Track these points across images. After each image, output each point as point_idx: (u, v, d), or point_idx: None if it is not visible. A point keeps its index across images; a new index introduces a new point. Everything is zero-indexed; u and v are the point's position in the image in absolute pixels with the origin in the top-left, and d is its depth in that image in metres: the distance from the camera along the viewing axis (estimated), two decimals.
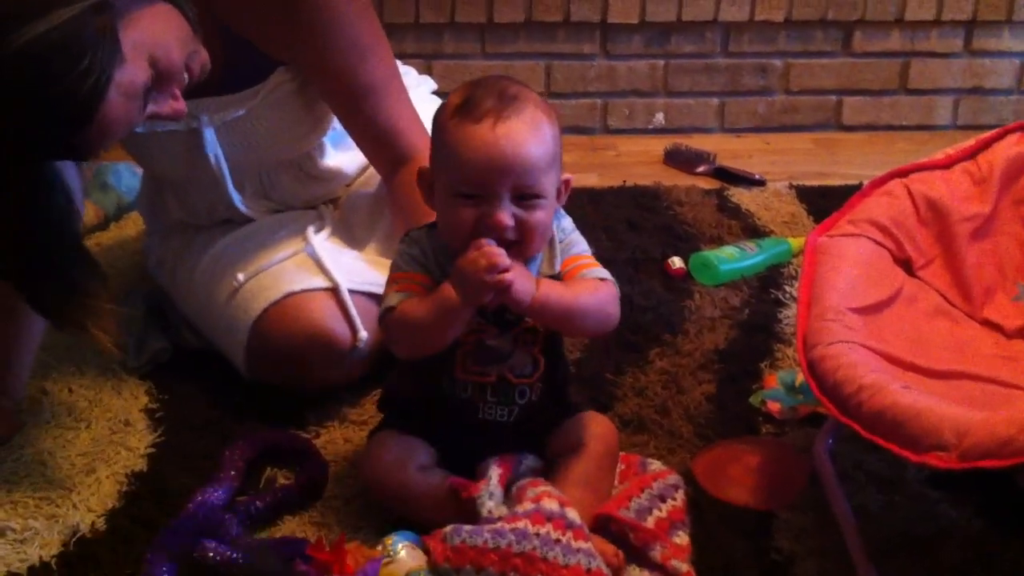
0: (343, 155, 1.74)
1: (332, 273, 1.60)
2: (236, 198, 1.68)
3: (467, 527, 1.21)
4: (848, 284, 1.36)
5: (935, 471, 1.20)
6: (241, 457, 1.44)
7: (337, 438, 1.54)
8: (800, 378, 1.56)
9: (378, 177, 1.71)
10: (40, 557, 1.33)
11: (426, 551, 1.22)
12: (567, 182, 1.32)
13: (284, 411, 1.58)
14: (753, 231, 2.17)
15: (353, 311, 1.57)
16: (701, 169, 2.51)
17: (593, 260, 1.35)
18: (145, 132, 1.57)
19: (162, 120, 1.42)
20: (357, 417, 1.58)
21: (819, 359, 1.25)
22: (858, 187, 1.62)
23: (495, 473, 1.30)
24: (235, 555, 1.26)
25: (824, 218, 1.48)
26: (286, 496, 1.40)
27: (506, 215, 1.24)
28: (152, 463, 1.50)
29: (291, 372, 1.58)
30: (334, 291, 1.58)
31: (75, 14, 1.22)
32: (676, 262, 2.00)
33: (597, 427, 1.38)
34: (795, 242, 2.06)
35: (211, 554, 1.25)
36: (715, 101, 2.74)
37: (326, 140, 1.71)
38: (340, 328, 1.56)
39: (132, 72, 1.29)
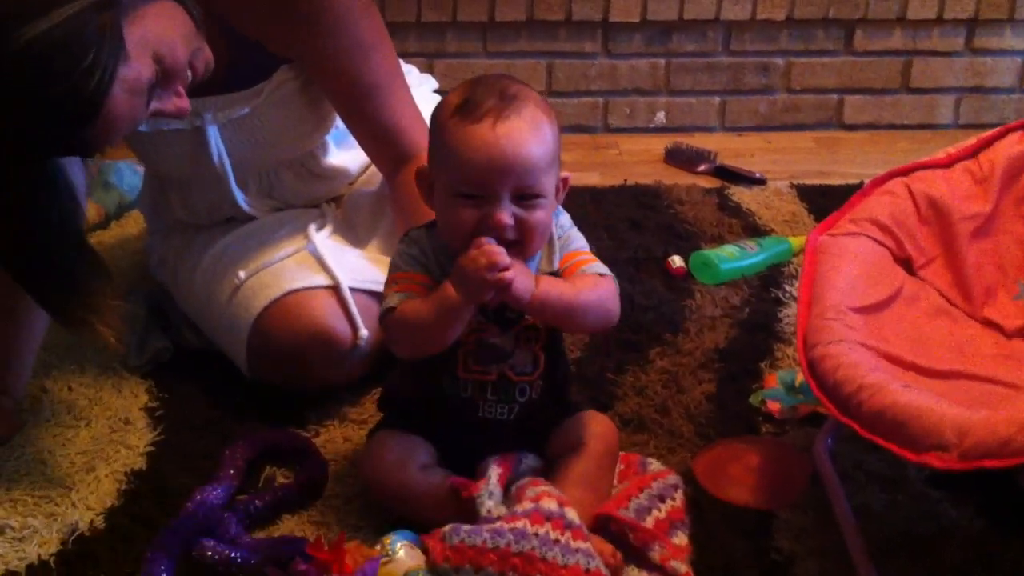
0: (346, 154, 1.74)
1: (333, 271, 1.60)
2: (239, 196, 1.68)
3: (466, 527, 1.21)
4: (848, 283, 1.35)
5: (935, 471, 1.20)
6: (241, 456, 1.44)
7: (337, 437, 1.54)
8: (800, 378, 1.56)
9: (380, 176, 1.71)
10: (39, 555, 1.33)
11: (425, 550, 1.22)
12: (565, 180, 1.32)
13: (284, 410, 1.58)
14: (754, 230, 2.17)
15: (354, 309, 1.57)
16: (702, 168, 2.51)
17: (592, 256, 1.35)
18: (149, 130, 1.57)
19: (166, 118, 1.42)
20: (357, 416, 1.58)
21: (819, 358, 1.25)
22: (859, 186, 1.62)
23: (495, 472, 1.30)
24: (234, 554, 1.26)
25: (825, 217, 1.47)
26: (285, 495, 1.40)
27: (506, 215, 1.24)
28: (152, 462, 1.50)
29: (292, 370, 1.58)
30: (335, 289, 1.58)
31: (78, 11, 1.22)
32: (677, 261, 2.00)
33: (597, 426, 1.38)
34: (796, 241, 2.06)
35: (210, 553, 1.26)
36: (716, 100, 2.74)
37: (329, 139, 1.71)
38: (341, 326, 1.56)
39: (136, 69, 1.29)
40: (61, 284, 1.36)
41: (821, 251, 1.40)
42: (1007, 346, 1.43)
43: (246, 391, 1.61)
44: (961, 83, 2.74)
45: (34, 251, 1.34)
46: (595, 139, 2.71)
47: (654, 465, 1.43)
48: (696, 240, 2.11)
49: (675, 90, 2.72)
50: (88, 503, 1.42)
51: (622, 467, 1.42)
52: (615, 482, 1.39)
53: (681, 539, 1.30)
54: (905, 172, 1.50)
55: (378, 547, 1.24)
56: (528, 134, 1.24)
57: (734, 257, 1.98)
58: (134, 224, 2.17)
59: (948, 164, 1.52)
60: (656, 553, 1.26)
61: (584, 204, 2.24)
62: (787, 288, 1.93)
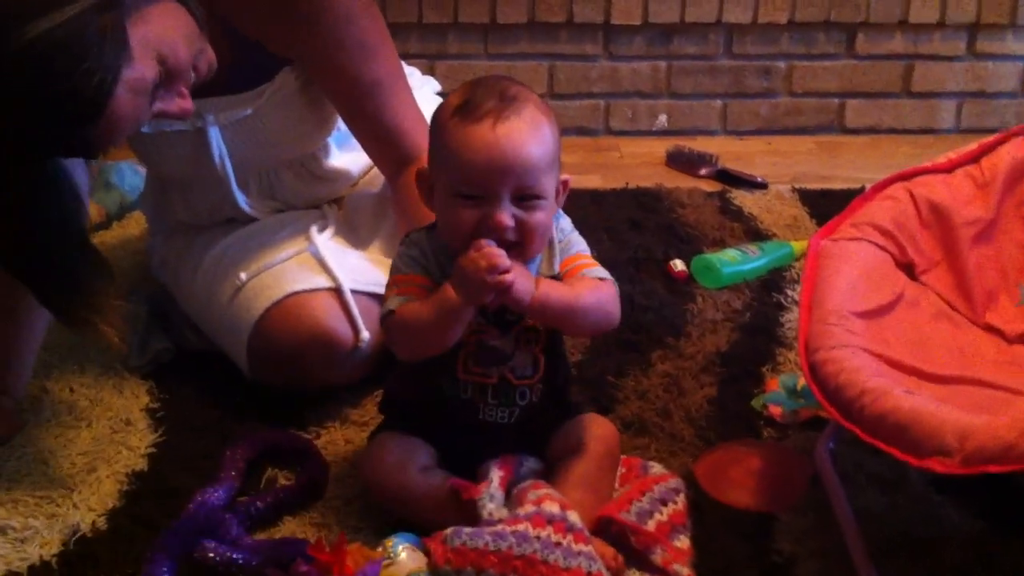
0: (348, 155, 1.74)
1: (335, 273, 1.60)
2: (240, 198, 1.68)
3: (467, 529, 1.21)
4: (850, 288, 1.35)
5: (937, 475, 1.20)
6: (242, 457, 1.44)
7: (338, 439, 1.54)
8: (802, 382, 1.56)
9: (382, 177, 1.71)
10: (40, 556, 1.33)
11: (426, 553, 1.22)
12: (565, 183, 1.32)
13: (285, 411, 1.58)
14: (755, 234, 2.17)
15: (356, 311, 1.57)
16: (703, 171, 2.51)
17: (592, 260, 1.35)
18: (151, 131, 1.57)
19: (169, 118, 1.42)
20: (358, 418, 1.58)
21: (821, 363, 1.25)
22: (860, 190, 1.62)
23: (496, 475, 1.30)
24: (235, 555, 1.26)
25: (826, 221, 1.47)
26: (287, 497, 1.40)
27: (506, 216, 1.24)
28: (153, 463, 1.50)
29: (293, 372, 1.58)
30: (337, 291, 1.58)
31: (80, 11, 1.22)
32: (678, 264, 2.00)
33: (598, 429, 1.38)
34: (797, 245, 2.06)
35: (211, 554, 1.25)
36: (718, 103, 2.74)
37: (331, 140, 1.71)
38: (342, 328, 1.56)
39: (140, 69, 1.29)
40: (64, 284, 1.36)
41: (823, 255, 1.40)
42: (1008, 351, 1.43)
43: (247, 392, 1.61)
44: (962, 87, 2.75)
45: (37, 251, 1.34)
46: (596, 141, 2.72)
47: (656, 468, 1.43)
48: (697, 244, 2.11)
49: (676, 93, 2.72)
50: (89, 504, 1.42)
51: (623, 470, 1.42)
52: (616, 485, 1.39)
53: (683, 542, 1.30)
54: (907, 177, 1.50)
55: (380, 549, 1.24)
56: (528, 135, 1.24)
57: (736, 261, 1.99)
58: (135, 224, 2.17)
59: (950, 169, 1.52)
60: (658, 556, 1.26)
61: (585, 206, 2.24)
62: (788, 292, 1.93)
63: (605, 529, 1.28)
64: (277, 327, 1.56)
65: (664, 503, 1.33)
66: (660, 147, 2.62)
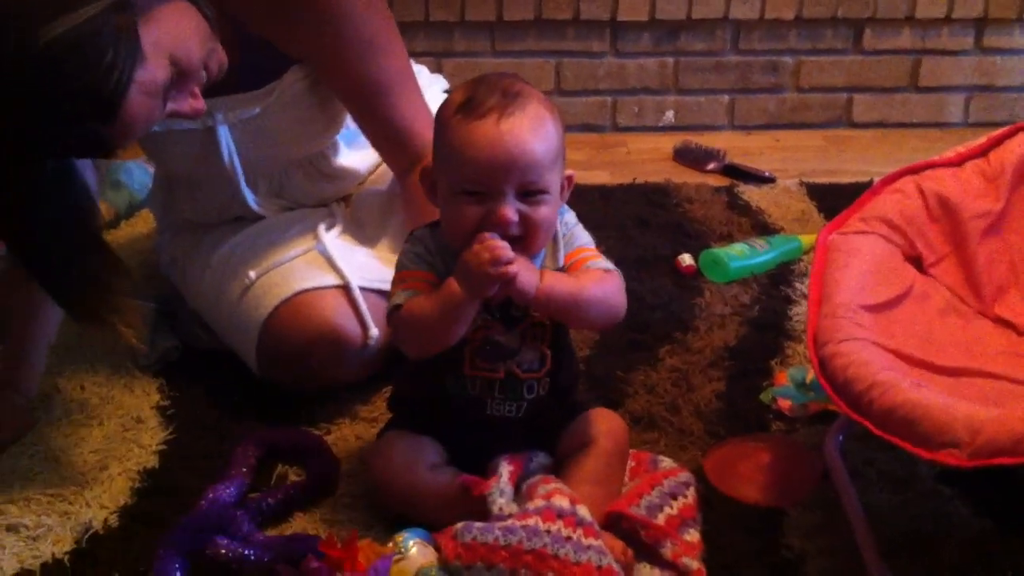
0: (356, 154, 1.75)
1: (343, 271, 1.60)
2: (249, 197, 1.68)
3: (478, 524, 1.21)
4: (859, 281, 1.35)
5: (947, 468, 1.20)
6: (252, 454, 1.44)
7: (348, 435, 1.54)
8: (810, 375, 1.56)
9: (389, 175, 1.71)
10: (53, 554, 1.33)
11: (437, 548, 1.22)
12: (570, 178, 1.32)
13: (295, 408, 1.58)
14: (763, 228, 2.17)
15: (364, 308, 1.57)
16: (711, 167, 2.51)
17: (597, 252, 1.35)
18: (161, 130, 1.58)
19: (181, 118, 1.42)
20: (368, 414, 1.59)
21: (830, 356, 1.25)
22: (868, 184, 1.62)
23: (506, 470, 1.30)
24: (247, 552, 1.26)
25: (834, 215, 1.47)
26: (297, 493, 1.40)
27: (510, 211, 1.24)
28: (164, 460, 1.51)
29: (302, 370, 1.58)
30: (345, 289, 1.59)
31: (96, 13, 1.23)
32: (686, 259, 2.00)
33: (607, 424, 1.38)
34: (805, 239, 2.06)
35: (222, 551, 1.26)
36: (725, 99, 2.74)
37: (339, 139, 1.71)
38: (351, 326, 1.56)
39: (152, 70, 1.29)
40: (80, 284, 1.37)
41: (831, 249, 1.40)
42: (1018, 344, 1.42)
43: (256, 389, 1.62)
44: (970, 82, 2.74)
45: (54, 251, 1.35)
46: (604, 138, 2.71)
47: (665, 463, 1.43)
48: (705, 238, 2.11)
49: (684, 89, 2.72)
50: (101, 501, 1.42)
51: (633, 464, 1.42)
52: (626, 479, 1.39)
53: (693, 536, 1.30)
54: (915, 170, 1.50)
55: (390, 545, 1.24)
56: (532, 131, 1.24)
57: (744, 255, 1.99)
58: (144, 223, 2.18)
59: (958, 162, 1.52)
60: (668, 550, 1.26)
61: (593, 203, 2.24)
62: (797, 286, 1.93)
63: (615, 523, 1.28)
64: (286, 325, 1.56)
65: (674, 497, 1.33)
66: (667, 143, 2.62)
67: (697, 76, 2.71)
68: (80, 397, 1.64)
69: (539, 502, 1.23)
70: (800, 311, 1.85)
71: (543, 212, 1.26)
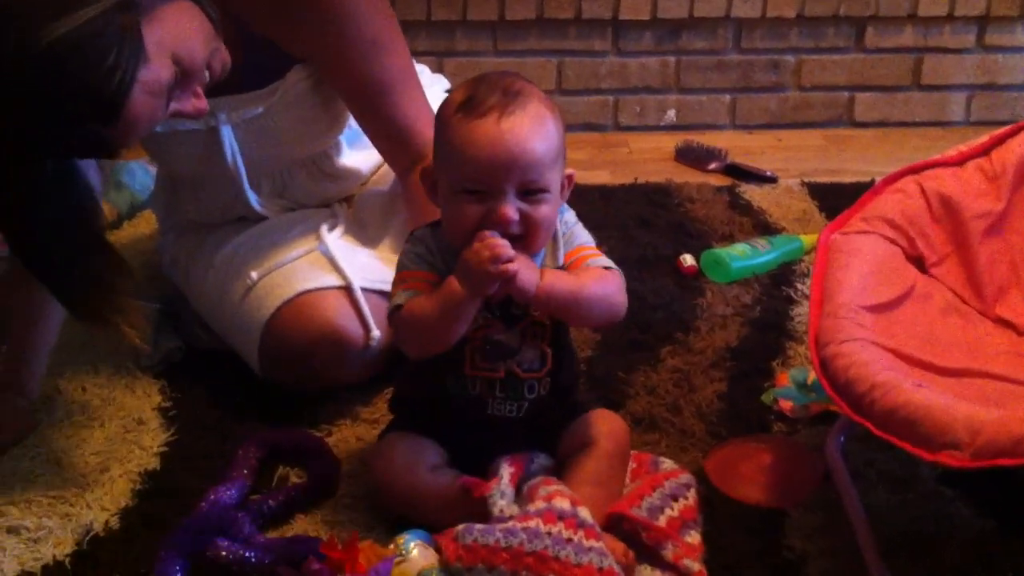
0: (359, 154, 1.75)
1: (345, 271, 1.60)
2: (252, 197, 1.68)
3: (479, 526, 1.21)
4: (860, 282, 1.35)
5: (948, 469, 1.19)
6: (254, 456, 1.44)
7: (349, 436, 1.54)
8: (812, 376, 1.56)
9: (392, 175, 1.71)
10: (54, 556, 1.33)
11: (438, 550, 1.22)
12: (570, 177, 1.33)
13: (296, 410, 1.58)
14: (765, 228, 2.16)
15: (366, 309, 1.57)
16: (712, 166, 2.50)
17: (597, 250, 1.35)
18: (164, 131, 1.58)
19: (184, 118, 1.42)
20: (369, 415, 1.59)
21: (831, 357, 1.25)
22: (870, 184, 1.61)
23: (507, 472, 1.30)
24: (248, 554, 1.26)
25: (836, 215, 1.47)
26: (298, 495, 1.40)
27: (511, 210, 1.24)
28: (165, 462, 1.51)
29: (304, 370, 1.58)
30: (347, 289, 1.59)
31: (99, 12, 1.23)
32: (688, 259, 2.00)
33: (608, 425, 1.38)
34: (807, 239, 2.06)
35: (223, 553, 1.26)
36: (727, 98, 2.74)
37: (342, 139, 1.71)
38: (353, 326, 1.56)
39: (156, 70, 1.30)
40: (84, 284, 1.37)
41: (833, 249, 1.40)
42: (1019, 344, 1.42)
43: (258, 390, 1.62)
44: (972, 80, 2.74)
45: (55, 251, 1.35)
46: (605, 137, 2.71)
47: (666, 464, 1.43)
48: (707, 238, 2.11)
49: (685, 88, 2.72)
50: (102, 503, 1.42)
51: (634, 466, 1.42)
52: (627, 481, 1.39)
53: (694, 538, 1.30)
54: (916, 170, 1.50)
55: (391, 546, 1.24)
56: (532, 129, 1.24)
57: (745, 255, 1.98)
58: (146, 224, 2.18)
59: (960, 162, 1.51)
60: (669, 552, 1.26)
61: (594, 202, 2.24)
62: (798, 286, 1.93)
63: (616, 525, 1.28)
64: (288, 326, 1.56)
65: (675, 499, 1.33)
66: (669, 142, 2.62)
67: (699, 75, 2.70)
68: (81, 399, 1.64)
69: (540, 504, 1.23)
70: (802, 311, 1.85)
71: (544, 211, 1.26)
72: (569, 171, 1.32)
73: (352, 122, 1.66)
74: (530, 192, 1.25)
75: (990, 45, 2.70)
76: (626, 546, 1.25)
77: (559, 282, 1.27)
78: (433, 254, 1.31)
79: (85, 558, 1.33)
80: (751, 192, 2.34)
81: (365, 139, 1.68)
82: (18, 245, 1.37)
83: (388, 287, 1.52)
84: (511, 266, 1.21)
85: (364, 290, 1.59)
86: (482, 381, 1.33)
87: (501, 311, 1.32)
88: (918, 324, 1.37)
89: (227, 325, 1.66)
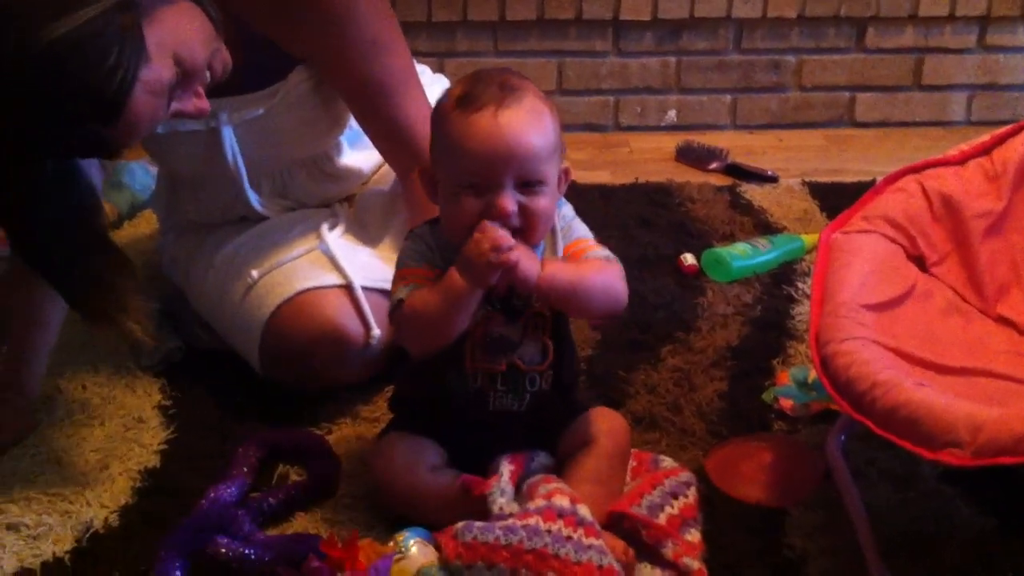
0: (359, 154, 1.75)
1: (345, 270, 1.60)
2: (253, 197, 1.68)
3: (478, 524, 1.20)
4: (861, 281, 1.35)
5: (949, 468, 1.19)
6: (254, 454, 1.44)
7: (349, 435, 1.54)
8: (812, 375, 1.56)
9: (392, 175, 1.71)
10: (54, 553, 1.33)
11: (438, 548, 1.22)
12: (567, 171, 1.33)
13: (296, 408, 1.58)
14: (765, 228, 2.16)
15: (366, 308, 1.57)
16: (713, 166, 2.50)
17: (595, 243, 1.36)
18: (164, 131, 1.58)
19: (185, 118, 1.42)
20: (369, 414, 1.59)
21: (832, 356, 1.25)
22: (871, 183, 1.61)
23: (506, 470, 1.30)
24: (247, 552, 1.26)
25: (837, 215, 1.47)
26: (298, 493, 1.40)
27: (510, 202, 1.24)
28: (165, 460, 1.51)
29: (305, 369, 1.58)
30: (347, 288, 1.59)
31: (100, 12, 1.23)
32: (688, 259, 1.99)
33: (608, 423, 1.38)
34: (808, 239, 2.06)
35: (223, 550, 1.26)
36: (727, 98, 2.74)
37: (343, 139, 1.71)
38: (353, 325, 1.56)
39: (157, 70, 1.30)
40: (87, 283, 1.37)
41: (834, 248, 1.40)
42: (1020, 343, 1.42)
43: (258, 389, 1.62)
44: (973, 80, 2.74)
45: (57, 251, 1.35)
46: (606, 137, 2.71)
47: (666, 462, 1.43)
48: (708, 238, 2.11)
49: (686, 88, 2.72)
50: (102, 501, 1.42)
51: (634, 464, 1.42)
52: (627, 479, 1.39)
53: (694, 536, 1.30)
54: (918, 169, 1.50)
55: (391, 544, 1.24)
56: (529, 123, 1.25)
57: (746, 255, 1.98)
58: (146, 224, 2.18)
59: (961, 161, 1.51)
60: (669, 550, 1.26)
61: (595, 202, 2.24)
62: (799, 285, 1.93)
63: (616, 523, 1.28)
64: (288, 324, 1.56)
65: (675, 497, 1.33)
66: (670, 142, 2.62)
67: (699, 75, 2.70)
68: (82, 397, 1.64)
69: (540, 502, 1.23)
70: (802, 310, 1.84)
71: (542, 203, 1.27)
72: (565, 165, 1.32)
73: (353, 122, 1.66)
74: (528, 185, 1.26)
75: (991, 45, 2.70)
76: (626, 544, 1.25)
77: (560, 271, 1.28)
78: (433, 250, 1.32)
79: (85, 555, 1.33)
80: (752, 192, 2.34)
81: (366, 139, 1.68)
82: (19, 244, 1.37)
83: (389, 286, 1.53)
84: (512, 255, 1.22)
85: (365, 289, 1.59)
86: (483, 375, 1.33)
87: (502, 304, 1.32)
88: (919, 323, 1.37)
89: (227, 324, 1.66)
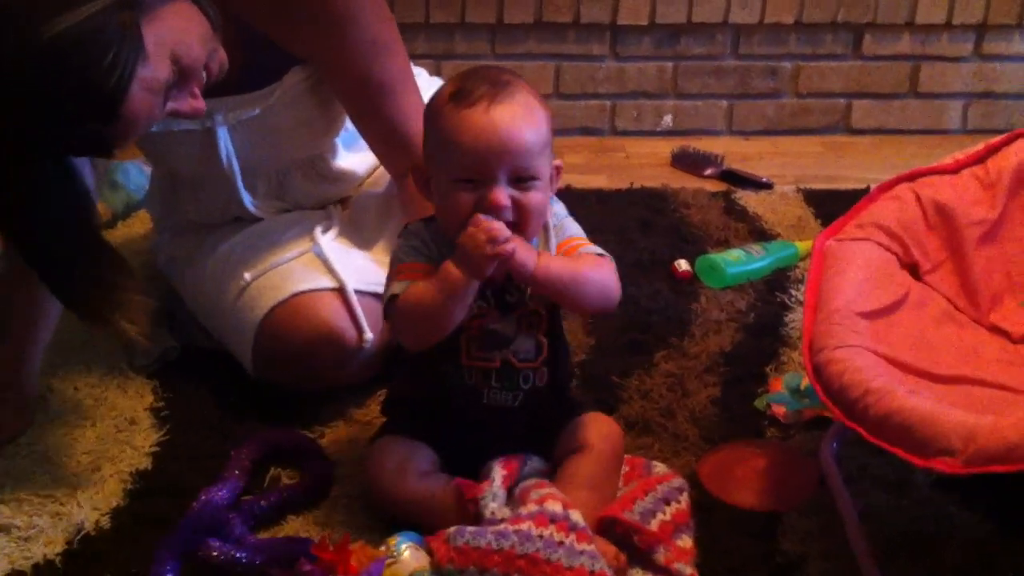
0: (355, 156, 1.75)
1: (339, 273, 1.60)
2: (246, 198, 1.68)
3: (470, 528, 1.21)
4: (855, 288, 1.35)
5: (942, 475, 1.19)
6: (246, 457, 1.44)
7: (342, 438, 1.54)
8: (805, 382, 1.55)
9: (387, 177, 1.71)
10: (44, 555, 1.33)
11: (430, 552, 1.22)
12: (558, 168, 1.34)
13: (290, 411, 1.58)
14: (760, 234, 2.17)
15: (359, 311, 1.57)
16: (709, 172, 2.51)
17: (588, 241, 1.37)
18: (160, 131, 1.58)
19: (181, 118, 1.42)
20: (362, 417, 1.58)
21: (825, 363, 1.25)
22: (866, 191, 1.62)
23: (499, 475, 1.30)
24: (239, 554, 1.26)
25: (831, 222, 1.47)
26: (291, 496, 1.40)
27: (503, 195, 1.25)
28: (157, 462, 1.50)
29: (297, 372, 1.58)
30: (341, 291, 1.58)
31: (99, 9, 1.23)
32: (683, 265, 2.00)
33: (602, 428, 1.38)
34: (802, 245, 2.06)
35: (215, 553, 1.26)
36: (724, 103, 2.74)
37: (338, 141, 1.71)
38: (346, 328, 1.56)
39: (155, 68, 1.30)
40: (84, 283, 1.36)
41: (828, 256, 1.40)
42: (1013, 352, 1.42)
43: (252, 391, 1.61)
44: (969, 88, 2.74)
45: (55, 250, 1.35)
46: (602, 142, 2.71)
47: (659, 468, 1.43)
48: (702, 244, 2.11)
49: (682, 93, 2.72)
50: (94, 503, 1.42)
51: (627, 469, 1.42)
52: (620, 484, 1.38)
53: (686, 542, 1.30)
54: (912, 177, 1.50)
55: (383, 548, 1.24)
56: (521, 117, 1.26)
57: (740, 261, 1.98)
58: (141, 224, 2.17)
59: (955, 170, 1.52)
60: (661, 555, 1.26)
61: (590, 206, 2.24)
62: (793, 292, 1.93)
63: (608, 528, 1.28)
64: (282, 327, 1.56)
65: (667, 502, 1.33)
66: (666, 147, 2.62)
67: (696, 80, 2.71)
68: (74, 398, 1.64)
69: (532, 506, 1.23)
70: (796, 317, 1.85)
71: (535, 198, 1.28)
72: (557, 161, 1.34)
73: (348, 124, 1.66)
74: (521, 179, 1.27)
75: (987, 53, 2.71)
76: (618, 549, 1.25)
77: (555, 263, 1.29)
78: (428, 246, 1.32)
79: (76, 557, 1.33)
80: (747, 198, 2.34)
81: (361, 141, 1.68)
82: (17, 244, 1.37)
83: (382, 289, 1.53)
84: (507, 246, 1.23)
85: (358, 292, 1.59)
86: (478, 371, 1.33)
87: (496, 299, 1.32)
88: (912, 331, 1.37)
89: (221, 325, 1.66)
